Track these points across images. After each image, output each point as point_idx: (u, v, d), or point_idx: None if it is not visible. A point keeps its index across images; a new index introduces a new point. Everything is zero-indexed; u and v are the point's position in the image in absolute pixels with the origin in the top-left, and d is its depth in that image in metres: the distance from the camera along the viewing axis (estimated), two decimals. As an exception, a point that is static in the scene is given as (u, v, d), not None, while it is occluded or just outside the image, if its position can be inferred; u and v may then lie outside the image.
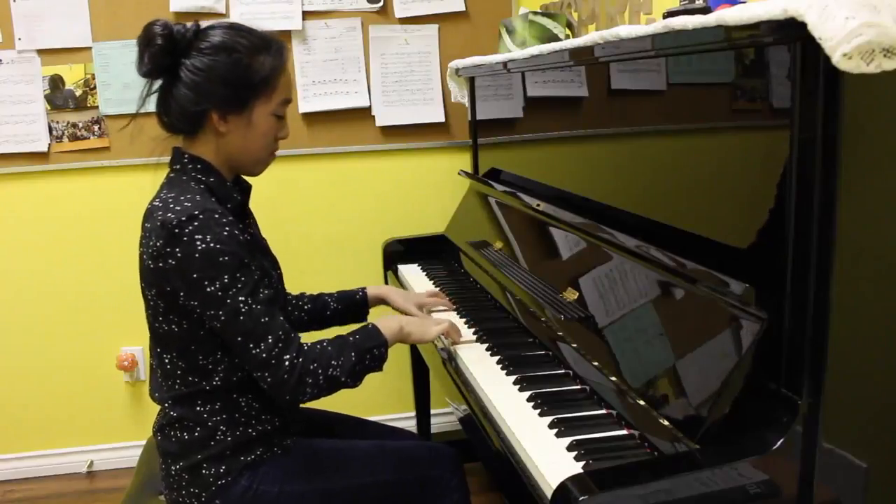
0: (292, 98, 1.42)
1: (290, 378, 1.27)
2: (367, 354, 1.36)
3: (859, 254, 0.95)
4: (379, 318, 1.47)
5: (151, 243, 1.27)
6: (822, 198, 0.92)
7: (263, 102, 1.35)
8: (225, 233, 1.25)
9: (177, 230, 1.24)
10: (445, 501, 1.45)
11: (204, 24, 1.37)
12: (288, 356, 1.27)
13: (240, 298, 1.24)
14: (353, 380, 1.35)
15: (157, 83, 1.36)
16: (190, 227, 1.23)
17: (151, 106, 1.38)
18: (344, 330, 1.80)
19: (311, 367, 1.29)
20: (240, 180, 1.46)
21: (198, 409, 1.34)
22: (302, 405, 1.44)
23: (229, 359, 1.32)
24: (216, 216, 1.26)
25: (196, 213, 1.24)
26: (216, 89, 1.31)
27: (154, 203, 1.31)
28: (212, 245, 1.23)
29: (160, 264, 1.26)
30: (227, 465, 1.33)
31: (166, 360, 1.35)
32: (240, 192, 1.42)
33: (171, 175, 1.37)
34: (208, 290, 1.24)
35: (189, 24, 1.34)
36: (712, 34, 1.03)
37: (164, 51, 1.30)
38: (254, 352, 1.26)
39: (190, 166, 1.35)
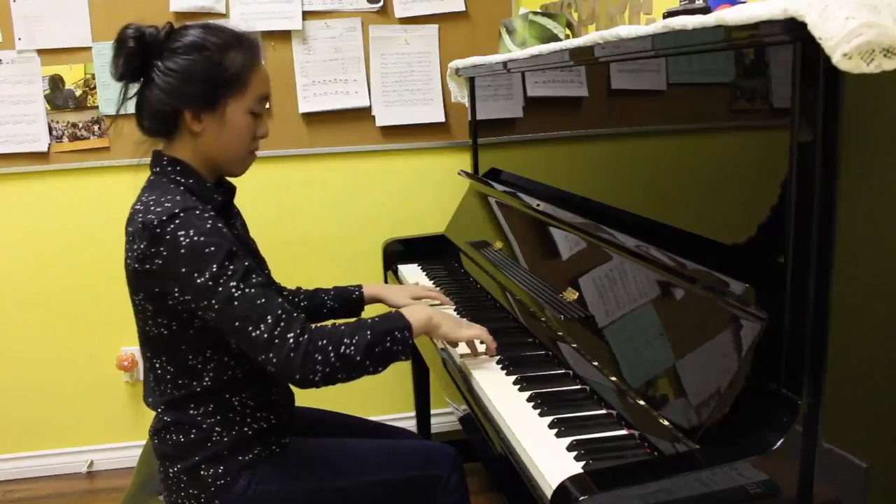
0: (270, 94, 1.40)
1: (296, 355, 1.22)
2: (388, 336, 1.30)
3: (859, 254, 0.95)
4: (407, 306, 1.41)
5: (136, 247, 1.26)
6: (822, 198, 0.92)
7: (237, 99, 1.34)
8: (208, 226, 1.24)
9: (158, 230, 1.23)
10: (445, 501, 1.45)
11: (178, 25, 1.36)
12: (291, 334, 1.23)
13: (231, 284, 1.23)
14: (374, 362, 1.29)
15: (135, 88, 1.35)
16: (172, 226, 1.23)
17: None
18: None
19: (321, 343, 1.24)
20: (223, 181, 1.45)
21: (191, 412, 1.33)
22: (302, 403, 1.43)
23: (218, 357, 1.32)
24: (197, 212, 1.25)
25: (176, 211, 1.24)
26: (187, 88, 1.30)
27: (135, 207, 1.30)
28: (196, 238, 1.23)
29: (147, 266, 1.25)
30: (225, 466, 1.33)
31: (157, 365, 1.34)
32: (222, 193, 1.40)
33: (152, 178, 1.37)
34: (198, 281, 1.23)
35: (162, 26, 1.34)
36: (712, 34, 1.03)
37: (135, 53, 1.30)
38: (254, 334, 1.23)
39: (169, 168, 1.34)
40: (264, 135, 1.41)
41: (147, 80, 1.33)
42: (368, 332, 1.29)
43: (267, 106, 1.42)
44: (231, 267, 1.24)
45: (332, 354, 1.25)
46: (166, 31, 1.33)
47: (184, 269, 1.23)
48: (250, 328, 1.23)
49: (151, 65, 1.31)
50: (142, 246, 1.25)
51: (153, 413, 1.40)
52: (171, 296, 1.26)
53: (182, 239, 1.22)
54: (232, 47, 1.33)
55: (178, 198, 1.27)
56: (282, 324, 1.24)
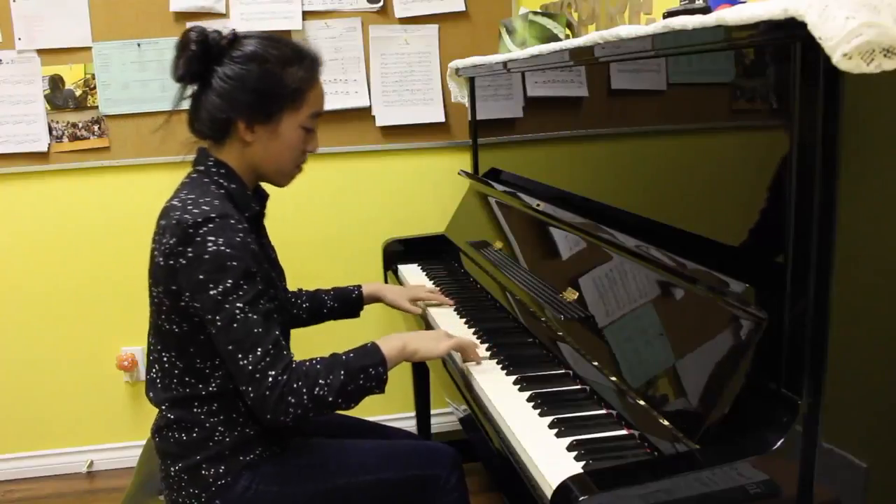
0: (323, 111, 1.42)
1: (272, 395, 1.23)
2: (362, 374, 1.30)
3: (859, 254, 0.95)
4: (382, 336, 1.41)
5: (165, 241, 1.27)
6: (822, 198, 0.92)
7: (292, 114, 1.35)
8: (237, 239, 1.25)
9: (191, 230, 1.24)
10: (444, 500, 1.45)
11: (241, 32, 1.37)
12: (273, 371, 1.23)
13: (237, 305, 1.24)
14: (346, 400, 1.29)
15: (191, 88, 1.37)
16: (204, 229, 1.24)
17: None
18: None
19: (295, 385, 1.24)
20: (259, 190, 1.47)
21: (195, 410, 1.34)
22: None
23: (226, 367, 1.32)
24: (231, 222, 1.26)
25: (213, 216, 1.25)
26: (245, 98, 1.32)
27: (172, 202, 1.31)
28: (222, 249, 1.23)
29: (170, 262, 1.26)
30: (226, 466, 1.33)
31: (165, 359, 1.35)
32: (258, 202, 1.42)
33: (193, 175, 1.38)
34: (210, 292, 1.24)
35: (225, 32, 1.35)
36: (712, 34, 1.03)
37: (197, 57, 1.31)
38: (241, 363, 1.24)
39: (213, 169, 1.36)
40: (314, 149, 1.42)
41: (205, 84, 1.34)
42: (342, 373, 1.28)
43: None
44: (244, 287, 1.25)
45: (305, 397, 1.25)
46: (229, 38, 1.34)
47: (201, 276, 1.24)
48: (239, 355, 1.24)
49: (211, 70, 1.33)
50: (171, 241, 1.26)
51: (153, 412, 1.41)
52: (184, 298, 1.27)
53: (210, 245, 1.23)
54: (293, 62, 1.34)
55: (216, 202, 1.28)
56: (267, 359, 1.23)
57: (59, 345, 2.57)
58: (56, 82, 2.43)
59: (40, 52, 2.41)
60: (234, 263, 1.24)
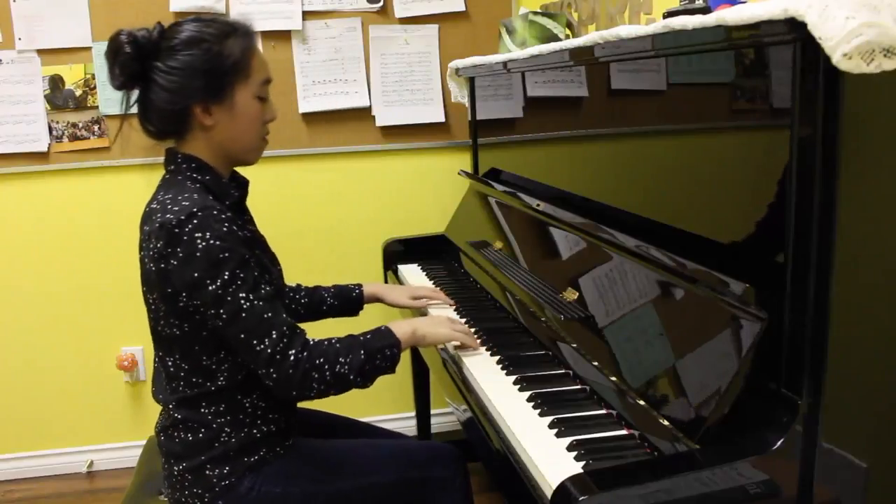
0: (272, 78, 1.42)
1: (296, 373, 1.26)
2: (378, 354, 1.35)
3: (859, 254, 0.95)
4: (392, 321, 1.45)
5: (152, 246, 1.27)
6: (822, 198, 0.92)
7: (243, 86, 1.34)
8: (224, 229, 1.24)
9: (177, 230, 1.23)
10: (448, 500, 1.45)
11: (167, 23, 1.35)
12: (293, 351, 1.26)
13: (241, 295, 1.24)
14: (364, 379, 1.33)
15: (135, 94, 1.34)
16: (189, 226, 1.23)
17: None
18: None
19: (318, 362, 1.28)
20: (237, 176, 1.46)
21: (202, 410, 1.33)
22: (304, 405, 1.44)
23: (233, 358, 1.32)
24: (214, 213, 1.25)
25: (195, 210, 1.24)
26: (193, 83, 1.30)
27: (151, 206, 1.31)
28: (212, 242, 1.23)
29: (161, 265, 1.26)
30: (230, 467, 1.33)
31: (170, 363, 1.34)
32: (237, 188, 1.41)
33: (167, 176, 1.37)
34: (209, 288, 1.23)
35: (152, 27, 1.33)
36: (712, 34, 1.03)
37: (133, 58, 1.29)
38: (258, 349, 1.25)
39: (184, 166, 1.34)
40: (272, 118, 1.41)
41: (148, 84, 1.32)
42: (362, 352, 1.32)
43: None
44: (242, 275, 1.25)
45: (327, 373, 1.28)
46: (159, 31, 1.33)
47: (196, 274, 1.23)
48: (255, 342, 1.25)
49: (151, 67, 1.31)
50: (158, 245, 1.25)
51: (154, 412, 1.40)
52: (181, 299, 1.27)
53: (199, 242, 1.23)
54: (229, 35, 1.33)
55: (195, 196, 1.27)
56: (285, 339, 1.26)
57: (59, 345, 2.57)
58: (56, 82, 2.43)
59: (40, 52, 2.41)
60: (227, 255, 1.23)
